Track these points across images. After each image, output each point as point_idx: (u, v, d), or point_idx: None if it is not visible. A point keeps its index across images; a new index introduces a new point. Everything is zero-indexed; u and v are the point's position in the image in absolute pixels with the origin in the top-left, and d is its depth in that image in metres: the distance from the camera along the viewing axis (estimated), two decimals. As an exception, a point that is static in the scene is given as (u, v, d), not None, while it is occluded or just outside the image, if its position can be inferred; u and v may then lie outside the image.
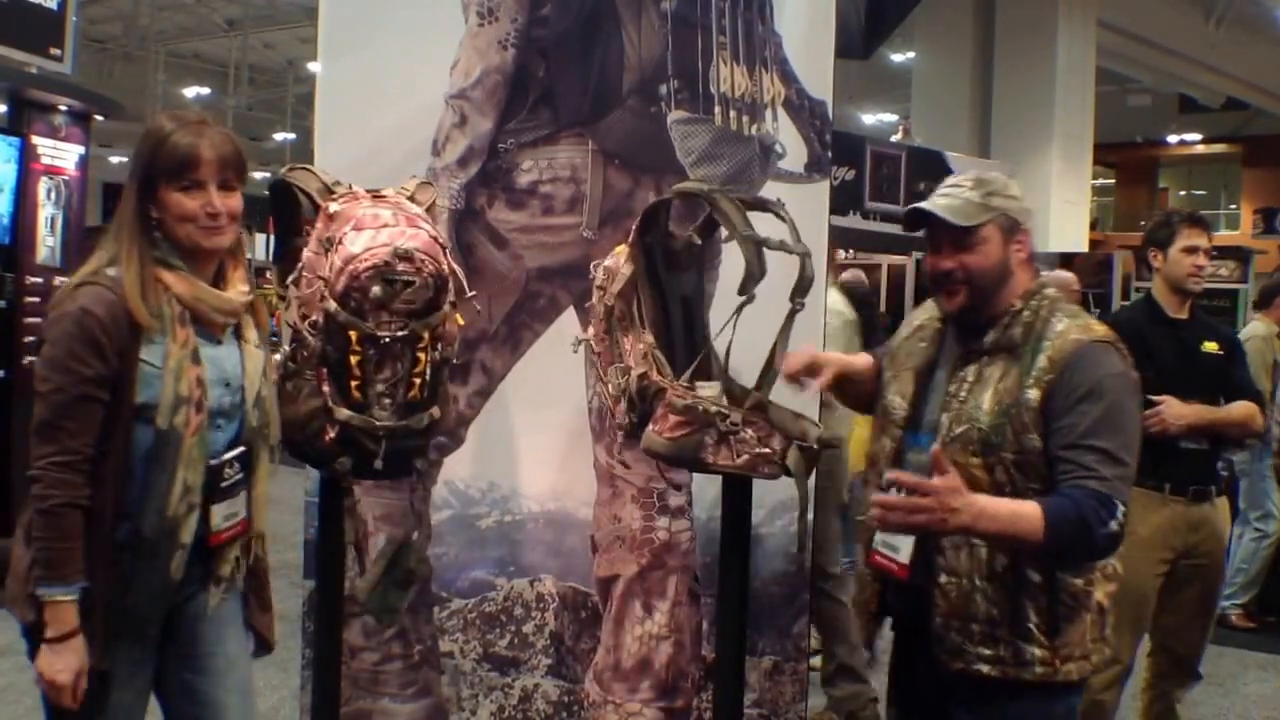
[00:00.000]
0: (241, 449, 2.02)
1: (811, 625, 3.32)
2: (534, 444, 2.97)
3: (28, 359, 5.98)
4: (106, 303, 1.85)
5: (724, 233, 2.38)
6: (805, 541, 2.44)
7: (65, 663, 1.87)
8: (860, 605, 2.19)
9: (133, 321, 1.85)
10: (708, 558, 2.93)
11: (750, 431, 2.33)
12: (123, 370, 1.85)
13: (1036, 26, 13.09)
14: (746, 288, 2.41)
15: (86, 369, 1.83)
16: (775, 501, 2.92)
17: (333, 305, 2.05)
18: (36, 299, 6.03)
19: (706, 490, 2.85)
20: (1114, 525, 1.80)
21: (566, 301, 2.95)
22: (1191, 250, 3.23)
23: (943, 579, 1.92)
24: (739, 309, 2.46)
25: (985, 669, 1.90)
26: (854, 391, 2.31)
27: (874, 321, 4.80)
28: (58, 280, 6.15)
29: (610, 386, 2.50)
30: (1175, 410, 3.10)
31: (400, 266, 2.06)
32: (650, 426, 2.38)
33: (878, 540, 1.99)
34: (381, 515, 2.83)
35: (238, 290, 2.03)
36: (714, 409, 2.34)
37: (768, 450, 2.33)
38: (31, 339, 6.00)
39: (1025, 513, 1.77)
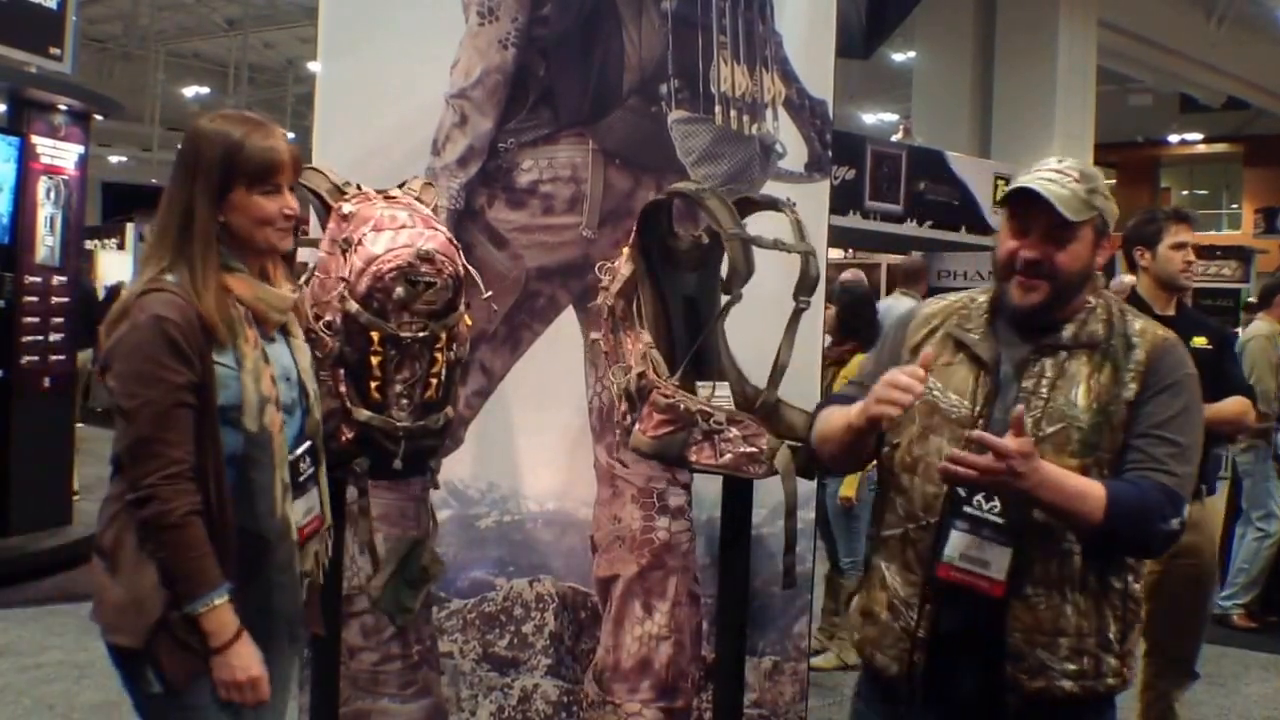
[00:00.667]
0: (309, 443, 2.00)
1: (811, 625, 3.31)
2: (534, 444, 2.96)
3: (26, 359, 5.99)
4: (179, 307, 1.81)
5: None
6: (793, 543, 2.43)
7: (245, 660, 1.81)
8: (894, 634, 1.83)
9: (205, 325, 1.82)
10: (708, 558, 2.93)
11: (735, 430, 2.33)
12: (205, 374, 1.82)
13: (1037, 26, 13.07)
14: (733, 286, 2.41)
15: (175, 376, 1.78)
16: (776, 501, 2.91)
17: (354, 306, 2.06)
18: (35, 298, 6.03)
19: (707, 490, 2.84)
20: (1175, 524, 1.73)
21: (566, 301, 2.95)
22: (1180, 246, 3.23)
23: (1028, 590, 1.73)
24: (726, 307, 2.46)
25: (1068, 685, 1.75)
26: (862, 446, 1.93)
27: (874, 321, 4.79)
28: (56, 280, 6.16)
29: (613, 386, 2.51)
30: (1242, 411, 3.08)
31: (423, 268, 2.06)
32: (636, 425, 2.39)
33: (951, 553, 1.74)
34: (380, 515, 2.82)
35: (286, 288, 2.01)
36: (697, 408, 2.34)
37: (754, 449, 2.33)
38: (31, 338, 6.00)
39: (1090, 491, 1.69)
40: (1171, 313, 3.27)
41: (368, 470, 2.19)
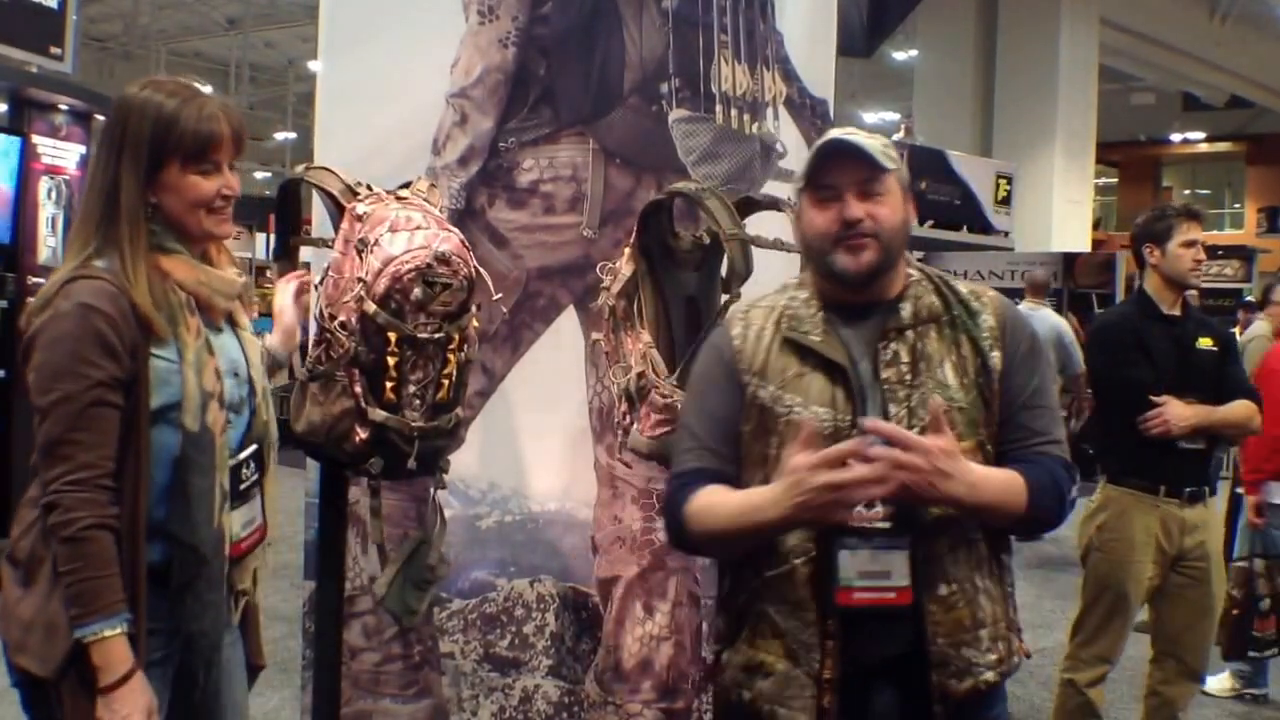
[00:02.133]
0: (255, 447, 1.87)
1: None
2: (534, 444, 2.96)
3: (28, 359, 5.97)
4: (109, 295, 1.63)
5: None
6: None
7: (131, 706, 1.61)
8: (797, 682, 1.65)
9: (140, 316, 1.65)
10: (708, 559, 2.92)
11: None
12: (136, 370, 1.64)
13: (1039, 24, 13.07)
14: (732, 286, 2.41)
15: (97, 371, 1.61)
16: (777, 502, 2.91)
17: (372, 306, 2.06)
18: (37, 299, 6.02)
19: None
20: (1074, 492, 1.69)
21: (567, 301, 2.94)
22: (1190, 244, 3.20)
23: (942, 590, 1.63)
24: (724, 307, 2.46)
25: (991, 676, 1.66)
26: None
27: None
28: (57, 280, 6.15)
29: (614, 386, 2.50)
30: (1177, 411, 3.08)
31: (439, 269, 2.06)
32: (634, 426, 2.39)
33: (848, 575, 1.59)
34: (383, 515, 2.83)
35: (231, 271, 1.86)
36: None
37: None
38: (32, 338, 5.99)
39: (1014, 484, 1.60)
40: (1178, 313, 3.25)
41: (380, 471, 2.19)
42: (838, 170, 1.67)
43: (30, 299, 6.17)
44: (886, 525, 1.61)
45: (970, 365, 1.68)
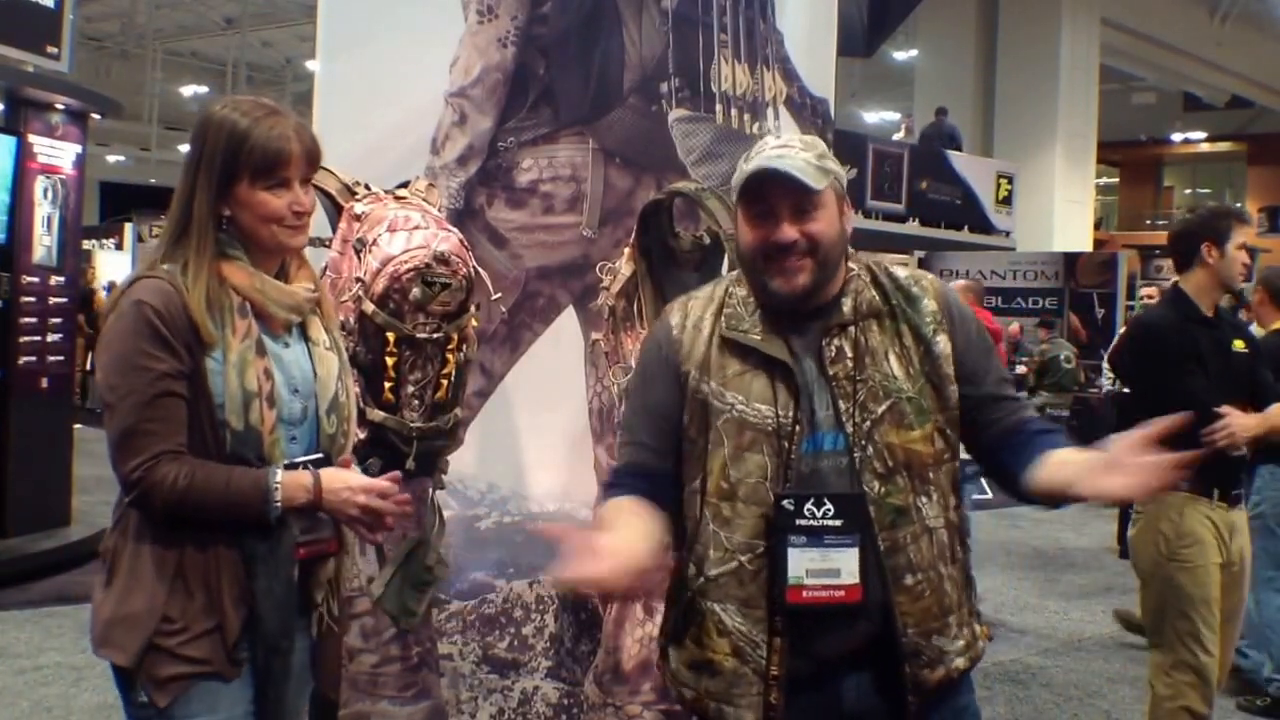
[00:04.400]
0: (319, 455, 1.83)
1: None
2: (534, 445, 2.94)
3: (24, 359, 5.97)
4: (163, 292, 1.68)
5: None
6: None
7: (337, 484, 1.73)
8: (745, 680, 1.64)
9: (191, 319, 1.69)
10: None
11: None
12: (195, 366, 1.69)
13: (1040, 24, 13.07)
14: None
15: (159, 363, 1.66)
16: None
17: (370, 306, 2.04)
18: (32, 299, 6.02)
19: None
20: None
21: (566, 301, 2.93)
22: (1241, 248, 3.14)
23: (908, 580, 1.62)
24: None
25: (961, 663, 1.67)
26: None
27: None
28: (54, 280, 6.15)
29: (613, 386, 2.49)
30: (1242, 422, 2.97)
31: (438, 269, 2.04)
32: None
33: (797, 574, 1.59)
34: (380, 517, 2.81)
35: (303, 286, 1.85)
36: None
37: None
38: (28, 339, 5.99)
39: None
40: (1210, 314, 3.21)
41: (380, 471, 2.17)
42: (770, 192, 1.64)
43: (25, 298, 6.18)
44: (838, 523, 1.60)
45: (915, 354, 1.67)
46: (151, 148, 19.95)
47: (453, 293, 2.10)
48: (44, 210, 6.01)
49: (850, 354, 1.66)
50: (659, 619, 2.93)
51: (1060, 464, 1.61)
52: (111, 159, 21.92)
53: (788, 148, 1.67)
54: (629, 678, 2.91)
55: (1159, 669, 3.15)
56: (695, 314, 1.74)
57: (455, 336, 2.16)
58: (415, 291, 2.06)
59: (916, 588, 1.63)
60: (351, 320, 2.10)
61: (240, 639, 1.75)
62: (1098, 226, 19.38)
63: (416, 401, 2.15)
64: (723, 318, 1.71)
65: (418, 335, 2.09)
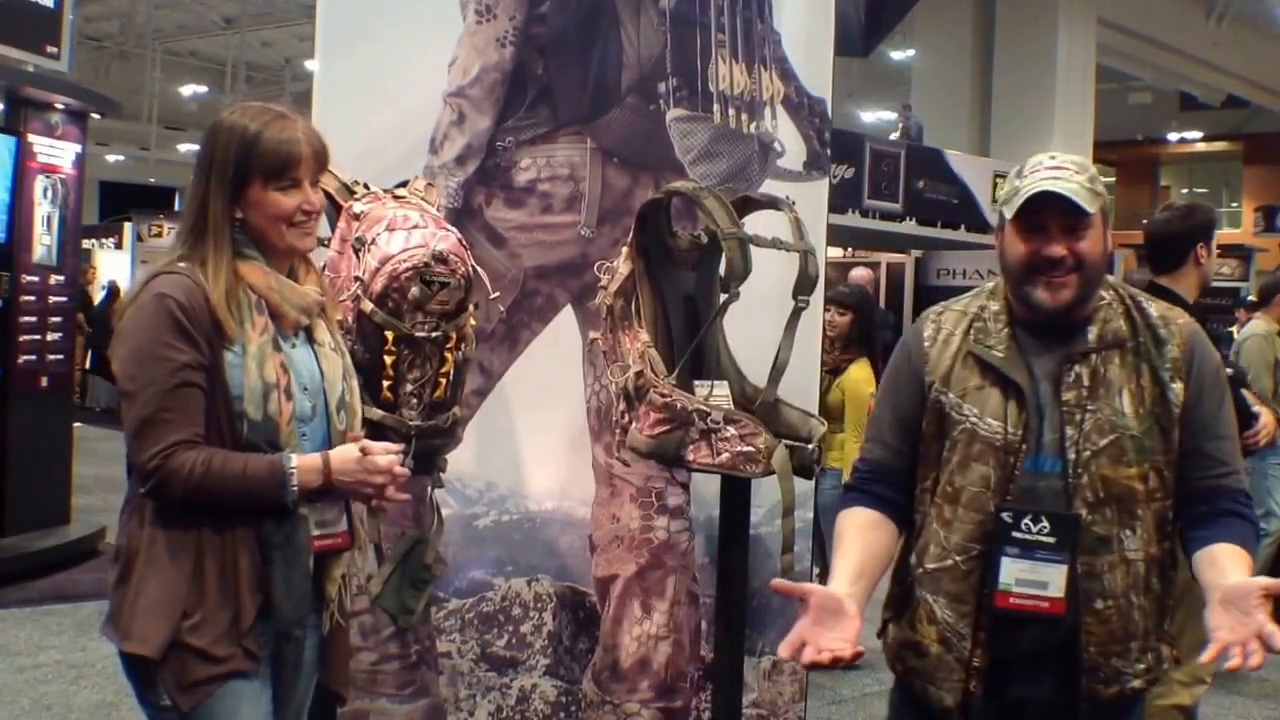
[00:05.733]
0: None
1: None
2: (532, 443, 2.95)
3: (23, 358, 5.98)
4: (184, 286, 1.73)
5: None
6: (791, 542, 2.41)
7: (349, 465, 1.77)
8: (947, 665, 1.79)
9: (214, 315, 1.74)
10: (707, 557, 2.92)
11: (732, 429, 2.33)
12: (214, 359, 1.73)
13: (1036, 24, 13.08)
14: (730, 285, 2.41)
15: (179, 354, 1.70)
16: (775, 501, 2.90)
17: (369, 305, 2.06)
18: (32, 298, 6.03)
19: (706, 489, 2.84)
20: (1256, 517, 1.83)
21: (564, 300, 2.94)
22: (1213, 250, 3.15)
23: (1098, 604, 1.74)
24: (723, 307, 2.46)
25: (1138, 684, 1.79)
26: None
27: (874, 321, 4.78)
28: (53, 279, 6.16)
29: (611, 385, 2.50)
30: (1272, 420, 3.01)
31: (437, 268, 2.05)
32: (633, 425, 2.39)
33: (1007, 581, 1.72)
34: (379, 515, 2.82)
35: (313, 289, 1.90)
36: (694, 407, 2.34)
37: (751, 449, 2.32)
38: (28, 338, 5.99)
39: (1245, 562, 1.68)
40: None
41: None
42: (1045, 210, 1.73)
43: (25, 297, 6.18)
44: (1051, 540, 1.71)
45: (1148, 395, 1.76)
46: (151, 147, 19.93)
47: (451, 292, 2.11)
48: (44, 210, 6.01)
49: (1087, 383, 1.75)
50: (657, 617, 2.95)
51: (1210, 565, 1.70)
52: (111, 158, 21.90)
53: (1063, 169, 1.75)
54: (627, 676, 2.92)
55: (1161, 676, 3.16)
56: (947, 328, 1.85)
57: (454, 335, 2.16)
58: (414, 290, 2.07)
59: (1105, 612, 1.74)
60: (350, 319, 2.11)
61: (254, 626, 1.76)
62: (1095, 226, 19.40)
63: (415, 400, 2.16)
64: (972, 332, 1.82)
65: (416, 334, 2.10)
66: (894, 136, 12.40)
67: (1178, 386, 1.76)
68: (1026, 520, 1.71)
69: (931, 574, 1.80)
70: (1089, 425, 1.73)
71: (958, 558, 1.77)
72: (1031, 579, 1.71)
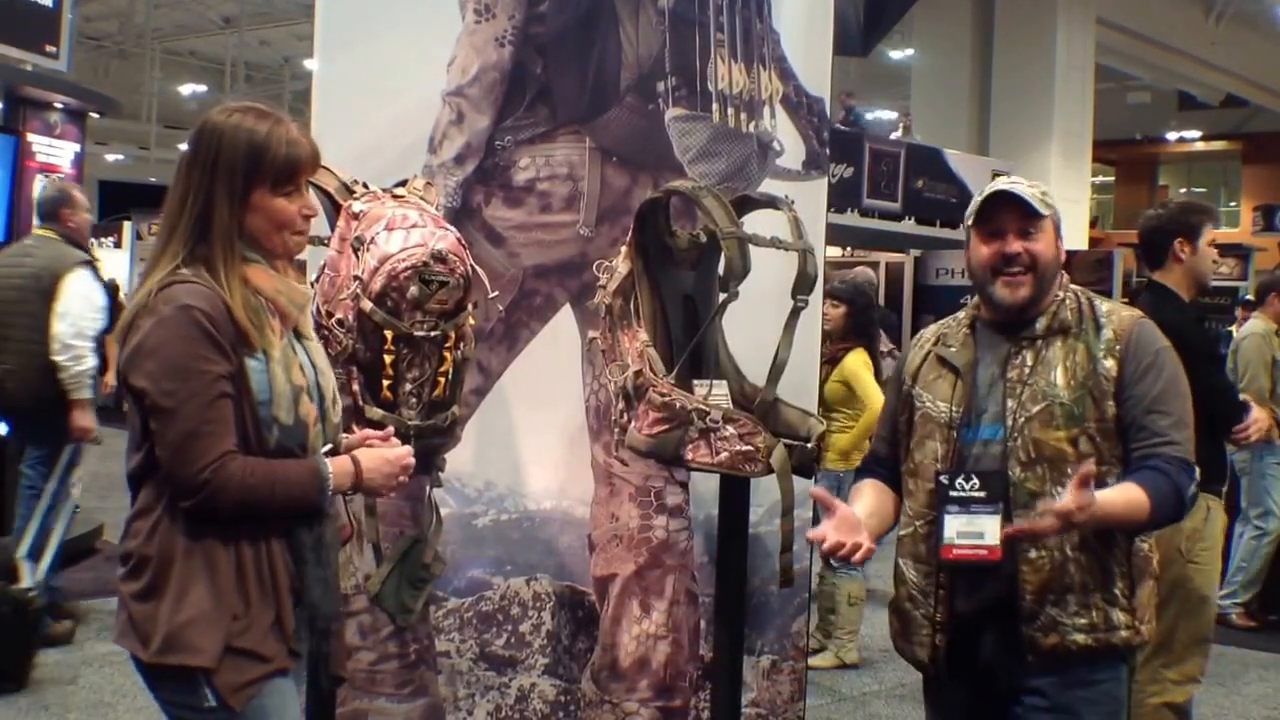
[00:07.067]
0: (329, 447, 1.89)
1: (809, 624, 3.30)
2: (531, 442, 2.95)
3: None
4: (206, 296, 1.71)
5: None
6: (790, 541, 2.41)
7: (376, 463, 1.81)
8: (916, 622, 2.03)
9: (236, 325, 1.73)
10: (706, 556, 2.92)
11: (731, 429, 2.33)
12: (240, 366, 1.73)
13: (1036, 23, 13.08)
14: (729, 284, 2.41)
15: (214, 366, 1.69)
16: (774, 500, 2.90)
17: (368, 304, 2.06)
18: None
19: (706, 488, 2.84)
20: (1193, 488, 1.94)
21: (563, 299, 2.94)
22: (1212, 244, 3.13)
23: (1032, 554, 1.93)
24: (721, 306, 2.46)
25: (1081, 639, 1.93)
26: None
27: (874, 321, 4.78)
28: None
29: (610, 384, 2.50)
30: (1262, 416, 3.00)
31: (436, 267, 2.05)
32: (632, 424, 2.39)
33: (950, 535, 1.93)
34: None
35: (301, 285, 1.92)
36: (693, 406, 2.34)
37: (750, 448, 2.33)
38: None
39: (1135, 499, 1.86)
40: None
41: None
42: (1001, 213, 1.99)
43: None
44: (982, 494, 1.91)
45: (1080, 370, 1.96)
46: (150, 146, 19.90)
47: (450, 291, 2.11)
48: (43, 209, 6.00)
49: (1030, 363, 1.99)
50: (656, 617, 2.95)
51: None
52: (110, 158, 21.88)
53: (1016, 183, 2.03)
54: (626, 675, 2.92)
55: (1151, 667, 3.15)
56: (926, 336, 2.15)
57: (453, 334, 2.17)
58: (413, 289, 2.08)
59: (1038, 561, 1.93)
60: (350, 318, 2.11)
61: (297, 627, 1.79)
62: (1093, 225, 19.38)
63: (414, 399, 2.16)
64: (939, 338, 2.11)
65: (415, 333, 2.10)
66: (895, 135, 12.40)
67: (1109, 363, 1.96)
68: (960, 480, 1.92)
69: (902, 540, 2.07)
70: (1025, 396, 1.96)
71: (918, 523, 2.02)
72: (970, 530, 1.91)
